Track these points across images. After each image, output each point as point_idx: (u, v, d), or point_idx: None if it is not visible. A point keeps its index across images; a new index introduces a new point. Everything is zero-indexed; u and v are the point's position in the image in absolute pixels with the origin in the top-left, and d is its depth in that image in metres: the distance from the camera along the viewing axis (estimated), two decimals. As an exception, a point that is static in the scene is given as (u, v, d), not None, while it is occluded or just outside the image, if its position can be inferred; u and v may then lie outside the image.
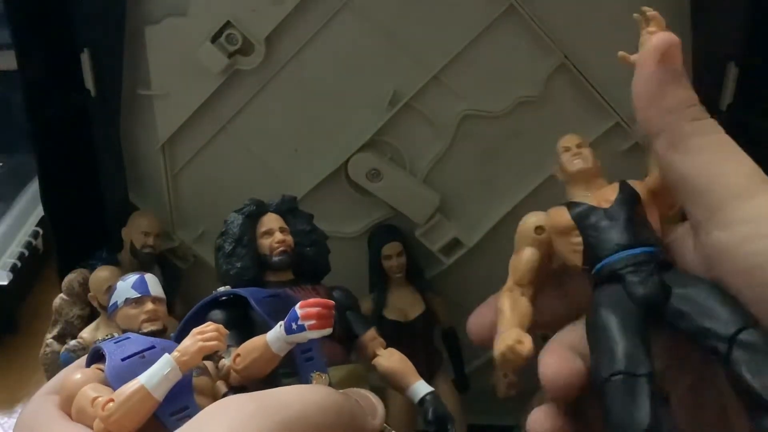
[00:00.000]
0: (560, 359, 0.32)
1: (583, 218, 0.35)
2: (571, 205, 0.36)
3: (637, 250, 0.33)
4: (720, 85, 0.50)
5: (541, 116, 0.52)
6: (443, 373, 0.56)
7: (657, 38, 0.34)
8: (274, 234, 0.44)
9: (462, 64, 0.52)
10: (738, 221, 0.30)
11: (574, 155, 0.38)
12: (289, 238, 0.45)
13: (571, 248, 0.35)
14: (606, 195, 0.36)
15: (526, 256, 0.37)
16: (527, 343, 0.34)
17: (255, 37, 0.52)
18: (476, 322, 0.38)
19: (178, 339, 0.32)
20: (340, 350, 0.43)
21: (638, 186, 0.36)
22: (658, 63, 0.32)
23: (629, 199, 0.35)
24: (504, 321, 0.35)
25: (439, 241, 0.57)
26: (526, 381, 0.39)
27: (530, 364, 0.36)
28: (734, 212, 0.30)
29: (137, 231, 0.57)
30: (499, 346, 0.34)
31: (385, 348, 0.44)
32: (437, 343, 0.57)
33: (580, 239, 0.35)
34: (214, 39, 0.52)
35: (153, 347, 0.31)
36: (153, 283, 0.38)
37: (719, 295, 0.30)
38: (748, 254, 0.29)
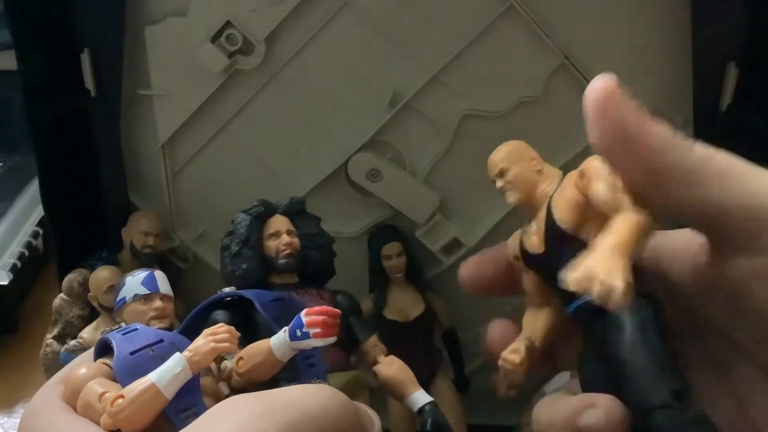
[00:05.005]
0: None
1: (531, 264, 0.34)
2: (521, 244, 0.34)
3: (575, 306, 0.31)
4: (720, 85, 0.50)
5: (541, 116, 0.52)
6: (443, 373, 0.56)
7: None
8: (281, 236, 0.44)
9: (462, 64, 0.52)
10: None
11: (501, 188, 0.35)
12: (296, 241, 0.45)
13: None
14: (541, 227, 0.33)
15: (526, 283, 0.36)
16: (519, 353, 0.34)
17: (255, 37, 0.52)
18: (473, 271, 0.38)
19: None
20: (342, 356, 0.43)
21: (571, 188, 0.31)
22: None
23: (556, 236, 0.32)
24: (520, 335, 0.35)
25: (439, 241, 0.57)
26: (526, 381, 0.39)
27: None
28: None
29: (137, 231, 0.57)
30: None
31: (387, 355, 0.44)
32: (437, 343, 0.57)
33: None
34: (214, 39, 0.52)
35: (161, 341, 0.31)
36: (162, 280, 0.37)
37: (654, 357, 0.29)
38: None
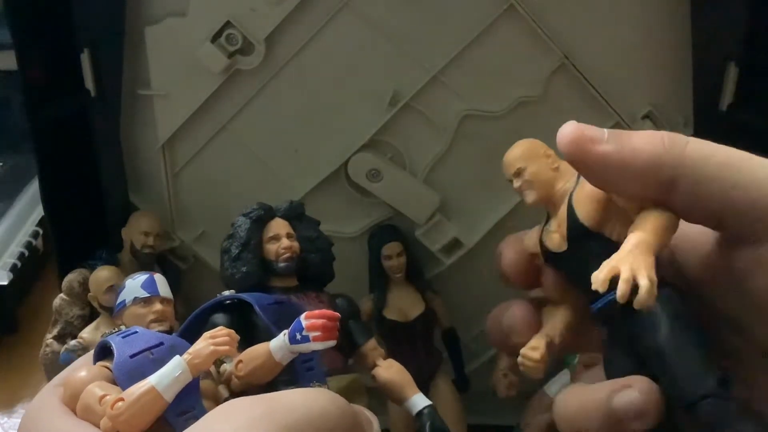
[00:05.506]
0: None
1: (553, 262, 0.34)
2: (541, 242, 0.34)
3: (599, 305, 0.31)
4: (720, 85, 0.50)
5: (541, 116, 0.52)
6: (443, 373, 0.56)
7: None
8: (280, 240, 0.44)
9: (462, 64, 0.51)
10: None
11: (519, 188, 0.34)
12: (296, 245, 0.45)
13: None
14: (562, 225, 0.33)
15: (545, 280, 0.36)
16: (539, 350, 0.34)
17: (255, 37, 0.52)
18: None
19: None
20: (341, 359, 0.43)
21: (590, 185, 0.31)
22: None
23: (580, 234, 0.32)
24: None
25: (439, 241, 0.57)
26: (526, 381, 0.39)
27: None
28: None
29: (137, 231, 0.57)
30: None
31: (385, 359, 0.44)
32: (437, 343, 0.57)
33: None
34: (214, 39, 0.52)
35: (161, 344, 0.31)
36: (162, 283, 0.38)
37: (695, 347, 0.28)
38: None
